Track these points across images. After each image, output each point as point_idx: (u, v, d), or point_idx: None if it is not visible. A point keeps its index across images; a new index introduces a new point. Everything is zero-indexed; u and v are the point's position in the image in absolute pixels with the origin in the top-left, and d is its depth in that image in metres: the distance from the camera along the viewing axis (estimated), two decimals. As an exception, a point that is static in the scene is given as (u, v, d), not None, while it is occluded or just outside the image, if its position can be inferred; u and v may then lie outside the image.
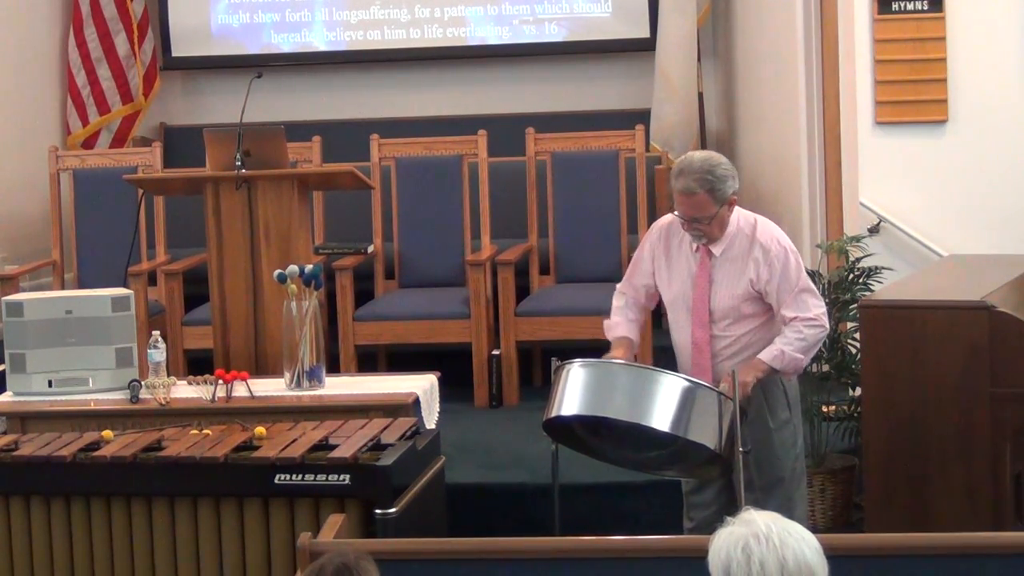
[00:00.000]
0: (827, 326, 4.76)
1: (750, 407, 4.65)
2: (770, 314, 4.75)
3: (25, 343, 5.53)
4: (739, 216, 4.75)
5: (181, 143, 8.57)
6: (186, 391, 5.44)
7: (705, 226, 4.67)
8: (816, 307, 4.71)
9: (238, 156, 5.88)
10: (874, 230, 6.55)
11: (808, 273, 5.82)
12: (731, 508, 4.64)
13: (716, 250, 4.73)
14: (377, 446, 4.83)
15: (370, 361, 7.06)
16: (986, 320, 4.93)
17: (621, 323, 4.90)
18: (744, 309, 4.72)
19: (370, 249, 6.96)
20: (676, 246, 4.81)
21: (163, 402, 5.36)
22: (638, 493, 5.60)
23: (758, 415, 4.72)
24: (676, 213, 4.72)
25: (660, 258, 4.84)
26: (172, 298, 6.97)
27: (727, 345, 4.74)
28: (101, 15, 8.53)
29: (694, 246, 4.76)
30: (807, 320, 4.68)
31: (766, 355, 4.68)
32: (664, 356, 5.10)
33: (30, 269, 7.48)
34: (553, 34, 8.81)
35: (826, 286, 5.84)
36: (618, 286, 5.00)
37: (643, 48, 8.49)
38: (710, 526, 4.71)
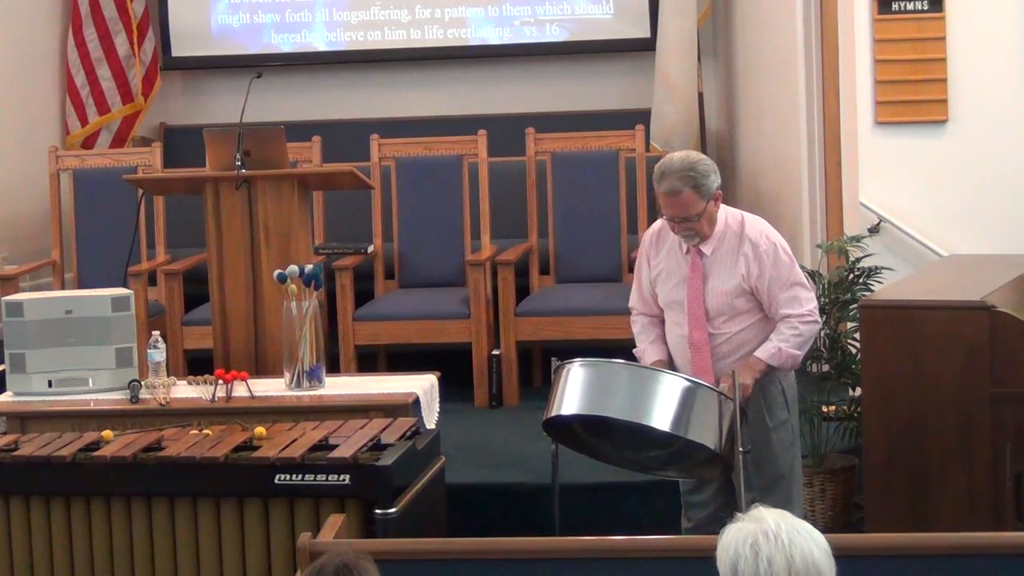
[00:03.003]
0: (819, 320, 4.79)
1: (749, 407, 4.65)
2: (763, 309, 4.76)
3: (25, 343, 5.53)
4: (727, 213, 4.76)
5: (181, 143, 8.56)
6: (186, 391, 5.45)
7: (695, 224, 4.67)
8: (808, 301, 4.74)
9: (238, 156, 5.88)
10: (874, 230, 6.54)
11: (807, 273, 5.86)
12: (729, 508, 4.65)
13: (707, 249, 4.73)
14: (377, 446, 4.83)
15: (370, 361, 7.06)
16: (986, 320, 4.93)
17: (647, 348, 4.89)
18: (738, 305, 4.73)
19: (370, 249, 6.95)
20: (667, 250, 4.82)
21: (163, 402, 5.36)
22: (638, 493, 5.60)
23: (756, 415, 4.72)
24: (664, 216, 4.73)
25: (656, 263, 4.85)
26: (172, 298, 6.96)
27: (723, 342, 4.75)
28: (101, 15, 8.52)
29: (684, 247, 4.76)
30: (801, 316, 4.70)
31: (763, 353, 4.68)
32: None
33: (30, 269, 7.48)
34: (554, 35, 8.80)
35: (826, 286, 5.84)
36: (631, 309, 4.97)
37: (643, 48, 8.48)
38: (708, 526, 4.75)
